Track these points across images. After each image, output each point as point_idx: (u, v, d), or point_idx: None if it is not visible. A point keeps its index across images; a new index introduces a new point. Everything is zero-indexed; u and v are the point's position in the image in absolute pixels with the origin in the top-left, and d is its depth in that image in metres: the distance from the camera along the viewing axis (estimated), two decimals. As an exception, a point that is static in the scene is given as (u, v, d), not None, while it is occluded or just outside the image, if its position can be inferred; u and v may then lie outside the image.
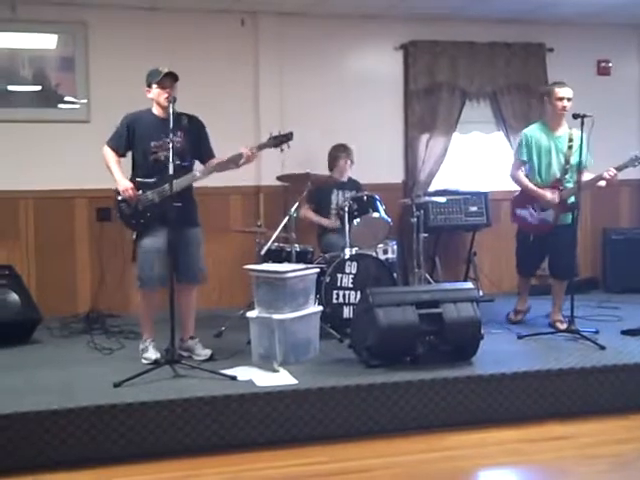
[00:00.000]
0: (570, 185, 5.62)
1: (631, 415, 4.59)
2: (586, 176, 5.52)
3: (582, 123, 5.27)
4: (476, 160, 7.57)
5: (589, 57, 7.69)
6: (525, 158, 5.75)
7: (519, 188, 5.89)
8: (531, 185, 5.72)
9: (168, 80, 4.80)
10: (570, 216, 5.61)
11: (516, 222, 5.97)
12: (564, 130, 5.71)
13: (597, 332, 5.43)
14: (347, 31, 7.10)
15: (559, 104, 5.60)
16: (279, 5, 6.66)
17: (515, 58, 7.40)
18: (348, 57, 7.20)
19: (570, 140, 5.63)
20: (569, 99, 5.60)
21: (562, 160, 5.67)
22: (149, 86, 4.86)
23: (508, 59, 7.39)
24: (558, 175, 5.67)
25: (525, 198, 5.80)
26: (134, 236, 4.92)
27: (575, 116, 5.31)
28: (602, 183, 5.53)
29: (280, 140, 5.00)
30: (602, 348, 5.05)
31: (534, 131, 5.79)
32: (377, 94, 7.21)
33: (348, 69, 7.18)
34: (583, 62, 7.62)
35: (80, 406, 3.96)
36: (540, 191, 5.67)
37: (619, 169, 5.43)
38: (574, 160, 5.53)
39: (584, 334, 5.28)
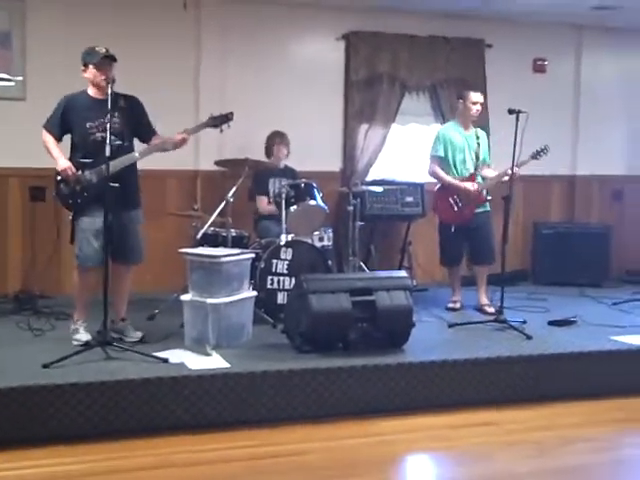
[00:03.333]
0: (480, 179, 6.03)
1: (555, 403, 4.73)
2: (490, 172, 6.10)
3: (517, 119, 5.40)
4: (413, 151, 7.65)
5: (526, 54, 7.82)
6: (442, 154, 6.04)
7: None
8: (450, 178, 6.05)
9: (106, 62, 4.71)
10: (487, 205, 6.06)
11: (437, 214, 6.26)
12: (472, 129, 6.16)
13: (525, 322, 5.58)
14: (290, 19, 7.08)
15: (473, 107, 6.03)
16: (222, -11, 6.63)
17: (455, 53, 7.48)
18: (291, 45, 7.19)
19: (477, 138, 6.10)
20: (481, 104, 6.08)
21: (473, 156, 6.05)
22: (85, 66, 4.77)
23: (448, 54, 7.47)
24: (472, 170, 6.04)
25: (447, 191, 6.06)
26: (70, 217, 4.84)
27: (510, 111, 5.47)
28: (506, 178, 5.83)
29: (220, 120, 4.97)
30: (529, 338, 5.19)
31: (448, 129, 6.18)
32: (318, 83, 7.21)
33: (290, 57, 7.18)
34: (520, 59, 7.76)
35: (8, 386, 3.91)
36: (461, 183, 6.00)
37: (519, 165, 5.66)
38: (482, 156, 6.08)
39: (512, 324, 5.41)
